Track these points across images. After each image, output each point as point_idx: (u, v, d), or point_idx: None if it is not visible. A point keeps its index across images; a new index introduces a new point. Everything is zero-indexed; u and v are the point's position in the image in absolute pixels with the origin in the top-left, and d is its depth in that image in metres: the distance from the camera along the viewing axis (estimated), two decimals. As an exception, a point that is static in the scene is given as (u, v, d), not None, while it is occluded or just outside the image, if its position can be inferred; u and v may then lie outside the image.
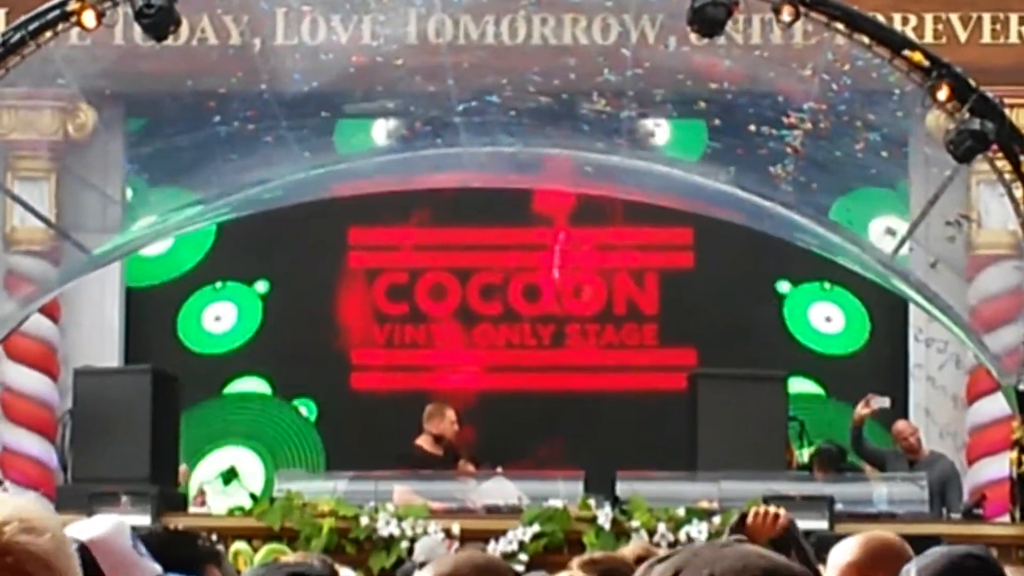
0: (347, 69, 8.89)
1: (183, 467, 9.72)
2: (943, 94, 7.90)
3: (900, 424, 9.19)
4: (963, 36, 9.51)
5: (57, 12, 8.45)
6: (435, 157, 8.96)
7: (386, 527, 8.49)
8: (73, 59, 8.86)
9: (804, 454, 9.21)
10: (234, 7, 8.94)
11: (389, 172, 9.10)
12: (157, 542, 2.84)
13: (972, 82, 8.39)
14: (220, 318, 11.13)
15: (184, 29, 8.65)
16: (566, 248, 11.11)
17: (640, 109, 8.92)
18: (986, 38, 9.54)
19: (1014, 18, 9.47)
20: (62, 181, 10.06)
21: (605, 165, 9.07)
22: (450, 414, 9.27)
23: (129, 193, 10.45)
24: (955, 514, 8.44)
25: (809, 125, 8.67)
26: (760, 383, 9.13)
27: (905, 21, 9.13)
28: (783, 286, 10.94)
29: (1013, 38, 9.43)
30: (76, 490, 8.39)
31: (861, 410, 9.02)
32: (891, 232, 9.74)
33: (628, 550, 4.55)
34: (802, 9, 7.99)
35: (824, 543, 4.53)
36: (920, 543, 3.14)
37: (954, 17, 9.38)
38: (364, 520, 8.41)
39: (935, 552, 2.57)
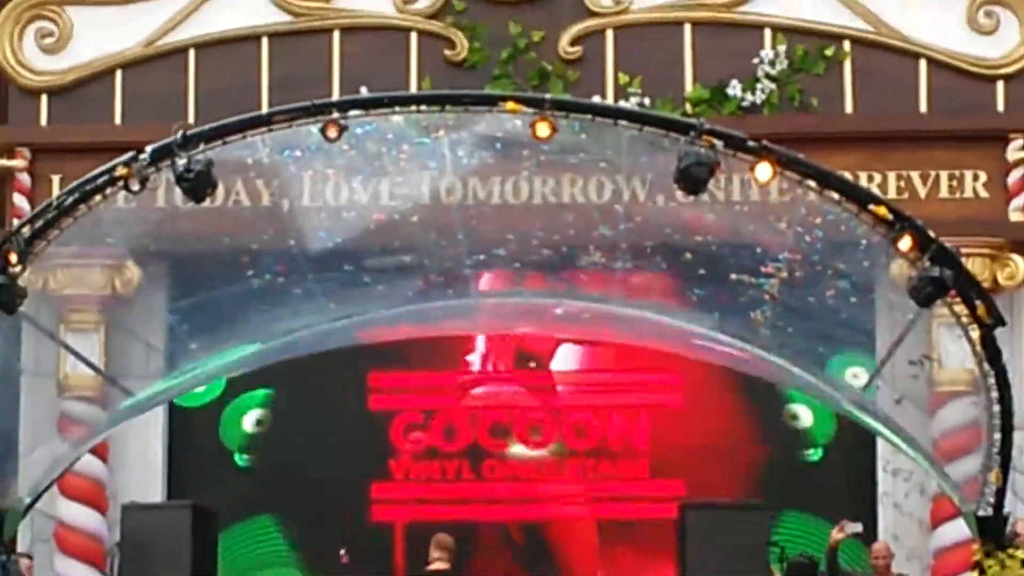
0: (368, 226, 9.27)
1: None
2: (906, 244, 8.34)
3: (879, 545, 9.41)
4: (923, 192, 10.11)
5: (106, 177, 9.12)
6: (448, 307, 9.68)
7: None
8: (120, 220, 9.01)
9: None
10: (265, 171, 9.19)
11: (407, 321, 9.83)
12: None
13: (932, 233, 8.95)
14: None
15: (220, 191, 8.99)
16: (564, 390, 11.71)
17: (633, 261, 9.66)
18: (943, 193, 10.17)
19: (968, 175, 9.99)
20: (110, 332, 10.51)
21: (602, 313, 9.77)
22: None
23: (170, 342, 11.17)
24: None
25: (785, 274, 9.18)
26: (742, 512, 9.86)
27: (871, 178, 9.68)
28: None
29: (968, 193, 9.80)
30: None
31: (836, 535, 9.53)
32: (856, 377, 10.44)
33: None
34: (777, 168, 8.78)
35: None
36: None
37: (915, 174, 9.80)
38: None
39: None
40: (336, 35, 10.85)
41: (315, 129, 8.52)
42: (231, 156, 8.49)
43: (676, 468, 11.33)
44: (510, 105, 8.61)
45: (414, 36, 10.88)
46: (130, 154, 8.13)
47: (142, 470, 11.20)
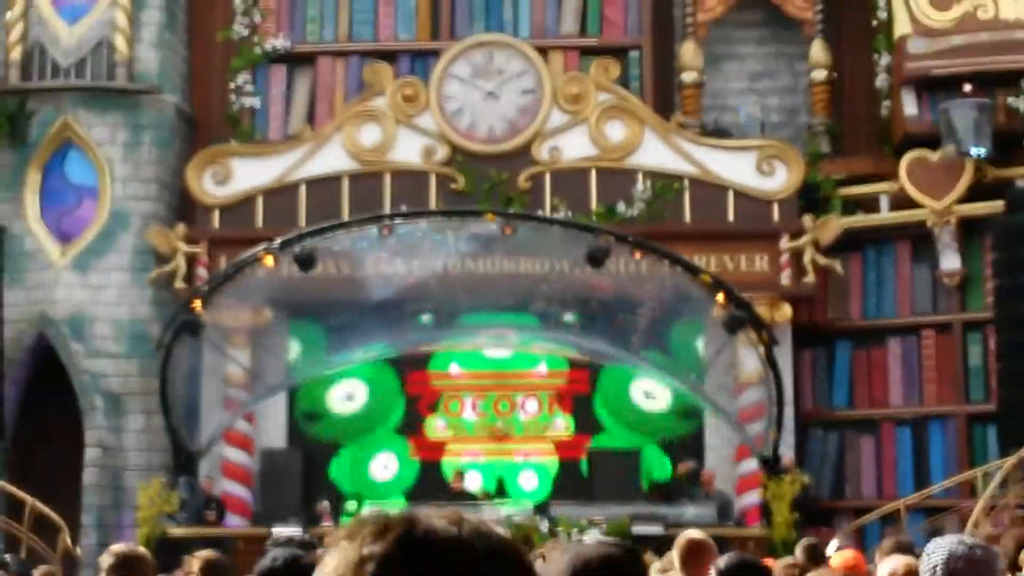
0: (405, 286, 11.90)
1: None
2: (720, 298, 11.24)
3: (707, 473, 11.94)
4: (731, 267, 12.40)
5: (252, 258, 11.70)
6: (451, 333, 12.77)
7: None
8: (260, 283, 11.88)
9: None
10: (345, 255, 12.01)
11: (430, 341, 12.88)
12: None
13: (735, 291, 11.34)
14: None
15: (319, 267, 11.68)
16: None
17: (560, 307, 12.70)
18: (743, 267, 12.47)
19: (756, 257, 12.53)
20: (254, 349, 12.71)
21: (539, 335, 12.72)
22: None
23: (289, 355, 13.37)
24: (730, 522, 11.26)
25: (649, 314, 12.44)
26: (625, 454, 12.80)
27: (701, 259, 12.00)
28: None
29: (756, 268, 12.37)
30: None
31: (681, 468, 11.79)
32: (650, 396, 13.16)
33: None
34: (645, 253, 11.77)
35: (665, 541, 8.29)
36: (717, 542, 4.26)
37: (726, 256, 12.37)
38: None
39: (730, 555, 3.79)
40: (388, 176, 13.10)
41: (375, 230, 11.72)
42: (326, 245, 11.67)
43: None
44: (489, 216, 11.95)
45: (433, 176, 13.05)
46: (266, 244, 11.39)
47: (273, 428, 13.33)
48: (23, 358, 13.03)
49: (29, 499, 11.36)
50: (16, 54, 13.40)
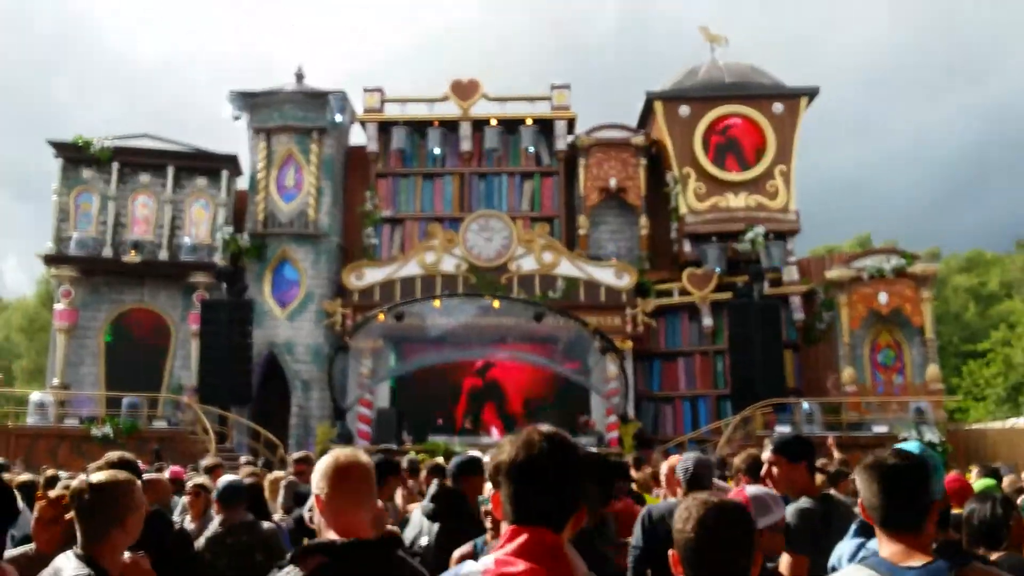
0: (450, 329, 17.52)
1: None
2: (597, 338, 17.10)
3: (592, 421, 17.74)
4: (603, 322, 18.34)
5: (372, 315, 16.91)
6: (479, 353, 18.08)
7: None
8: (377, 327, 17.23)
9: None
10: (417, 313, 17.09)
11: (467, 357, 18.18)
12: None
13: (603, 333, 16.95)
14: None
15: (406, 319, 16.94)
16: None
17: (520, 340, 17.94)
18: (609, 323, 18.36)
19: (611, 318, 18.24)
20: (373, 360, 18.08)
21: (520, 356, 18.11)
22: None
23: (396, 364, 18.91)
24: (604, 446, 17.01)
25: (564, 344, 17.80)
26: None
27: (589, 317, 17.58)
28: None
29: (616, 323, 18.40)
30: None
31: (580, 420, 17.52)
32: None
33: None
34: (562, 315, 17.19)
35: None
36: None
37: (598, 319, 18.46)
38: None
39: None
40: (439, 277, 18.68)
41: (433, 302, 16.72)
42: (408, 309, 16.86)
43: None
44: (487, 296, 16.80)
45: (461, 278, 18.43)
46: (379, 309, 16.32)
47: (382, 398, 18.51)
48: (261, 363, 18.92)
49: (263, 431, 15.76)
50: (261, 216, 18.99)
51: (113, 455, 3.20)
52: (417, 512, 3.92)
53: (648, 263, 18.99)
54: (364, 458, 2.05)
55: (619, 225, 19.54)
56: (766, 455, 3.25)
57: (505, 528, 1.56)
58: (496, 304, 16.22)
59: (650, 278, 18.59)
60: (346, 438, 16.36)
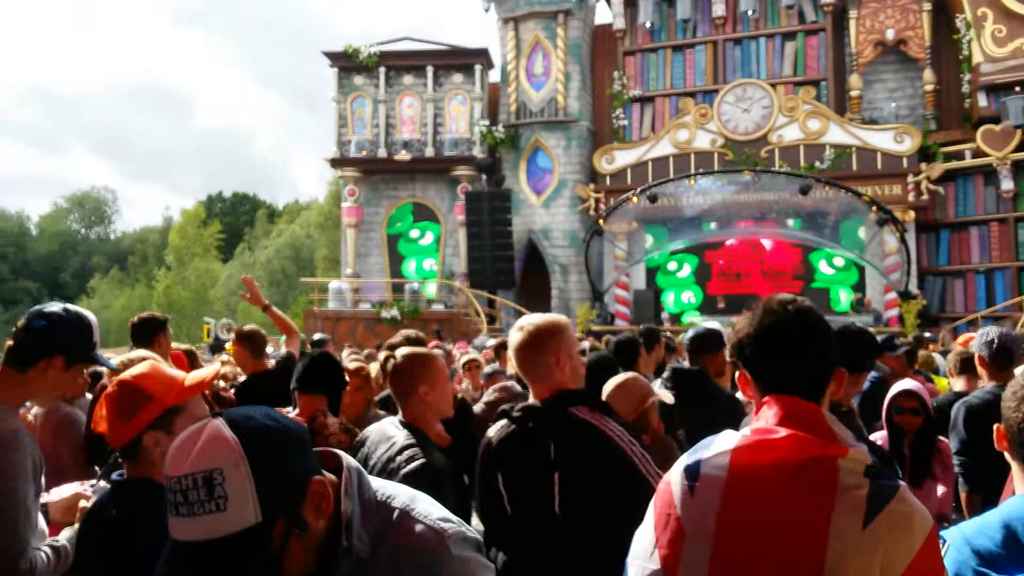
0: (702, 209, 17.23)
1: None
2: (874, 208, 15.92)
3: (868, 300, 16.73)
4: (880, 192, 16.98)
5: (625, 197, 17.10)
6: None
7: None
8: (631, 208, 17.33)
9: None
10: (671, 194, 17.31)
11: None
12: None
13: (882, 204, 15.79)
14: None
15: (659, 200, 17.00)
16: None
17: (785, 217, 17.11)
18: (887, 193, 17.00)
19: (896, 186, 16.91)
20: (628, 243, 18.22)
21: (775, 231, 17.38)
22: None
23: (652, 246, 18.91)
24: (881, 324, 16.00)
25: (834, 218, 16.73)
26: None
27: (864, 188, 16.72)
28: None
29: (896, 192, 16.99)
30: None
31: (856, 297, 16.73)
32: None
33: None
34: (830, 187, 16.34)
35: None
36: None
37: (878, 187, 17.06)
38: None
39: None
40: (692, 155, 18.05)
41: (686, 181, 16.22)
42: (661, 190, 16.73)
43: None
44: (745, 171, 16.10)
45: (716, 154, 17.63)
46: (632, 192, 16.41)
47: (637, 280, 18.79)
48: (522, 249, 19.92)
49: (526, 311, 16.61)
50: (513, 106, 19.68)
51: (408, 332, 3.65)
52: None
53: (934, 123, 16.96)
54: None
55: (898, 83, 17.53)
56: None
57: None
58: (756, 179, 15.59)
59: (936, 140, 16.53)
60: (605, 319, 17.12)
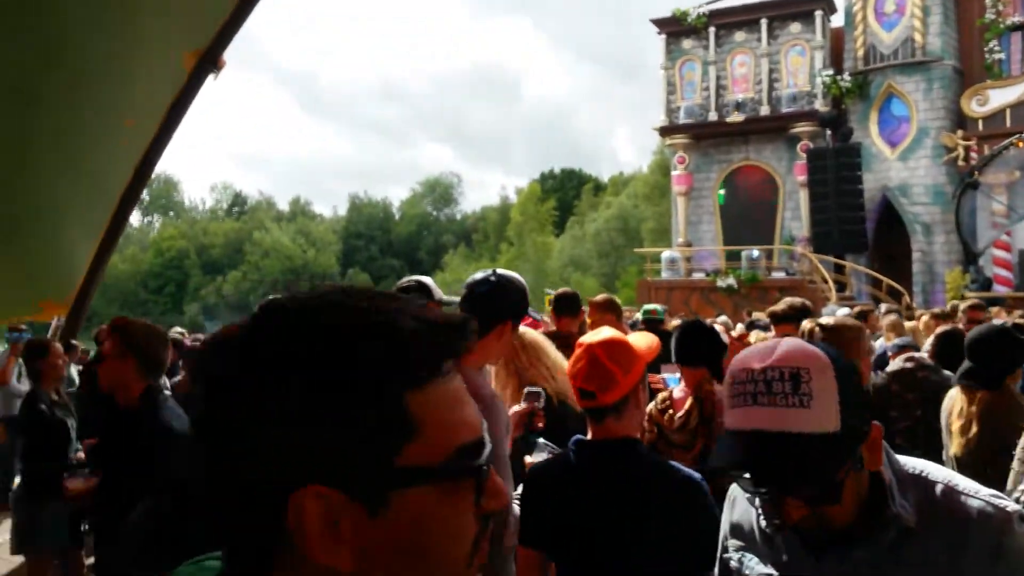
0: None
1: None
2: None
3: None
4: None
5: (1006, 143, 14.69)
6: None
7: None
8: (1011, 158, 14.88)
9: None
10: None
11: None
12: None
13: None
14: None
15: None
16: None
17: None
18: None
19: None
20: (1009, 195, 15.38)
21: None
22: None
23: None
24: None
25: None
26: None
27: None
28: None
29: None
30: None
31: None
32: None
33: None
34: None
35: None
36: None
37: None
38: None
39: None
40: None
41: None
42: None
43: None
44: None
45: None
46: (1019, 135, 13.73)
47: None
48: (874, 209, 17.73)
49: (884, 278, 14.90)
50: (860, 51, 18.07)
51: (794, 300, 3.53)
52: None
53: None
54: None
55: None
56: None
57: None
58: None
59: None
60: (982, 284, 15.12)
